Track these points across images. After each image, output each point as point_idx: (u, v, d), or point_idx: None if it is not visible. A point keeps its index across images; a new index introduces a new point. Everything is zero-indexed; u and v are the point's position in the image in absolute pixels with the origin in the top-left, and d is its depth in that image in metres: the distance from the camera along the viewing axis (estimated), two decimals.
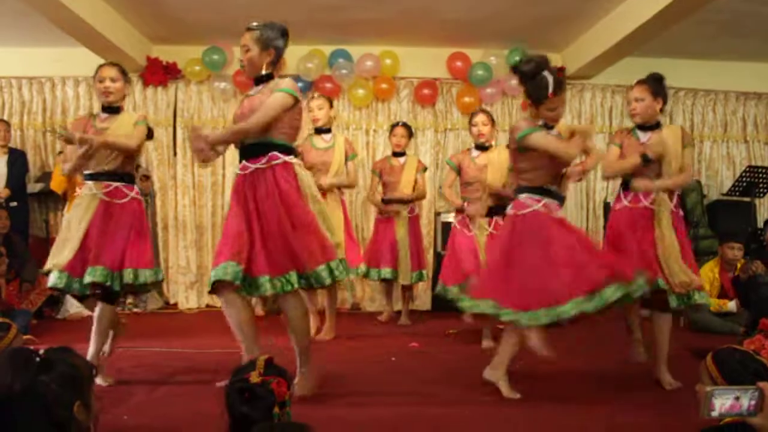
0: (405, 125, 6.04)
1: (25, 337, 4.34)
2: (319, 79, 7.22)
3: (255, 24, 3.63)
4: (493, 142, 5.12)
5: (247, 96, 3.59)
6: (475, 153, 5.09)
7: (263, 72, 3.55)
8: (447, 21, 6.53)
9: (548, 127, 3.60)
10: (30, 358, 1.76)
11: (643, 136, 3.83)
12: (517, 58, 3.95)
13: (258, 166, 3.34)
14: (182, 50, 7.23)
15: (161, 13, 6.39)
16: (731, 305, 5.61)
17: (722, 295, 5.72)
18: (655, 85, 3.78)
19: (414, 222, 5.92)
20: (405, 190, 5.81)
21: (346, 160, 5.21)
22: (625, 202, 3.81)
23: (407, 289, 6.11)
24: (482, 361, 4.43)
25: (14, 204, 6.29)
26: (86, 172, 3.75)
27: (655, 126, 3.82)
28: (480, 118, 5.05)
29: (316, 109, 5.17)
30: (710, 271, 5.81)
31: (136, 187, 3.81)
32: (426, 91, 7.34)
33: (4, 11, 5.94)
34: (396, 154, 5.93)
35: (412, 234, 5.84)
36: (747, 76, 7.70)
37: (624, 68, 7.01)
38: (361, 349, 4.95)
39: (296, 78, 7.12)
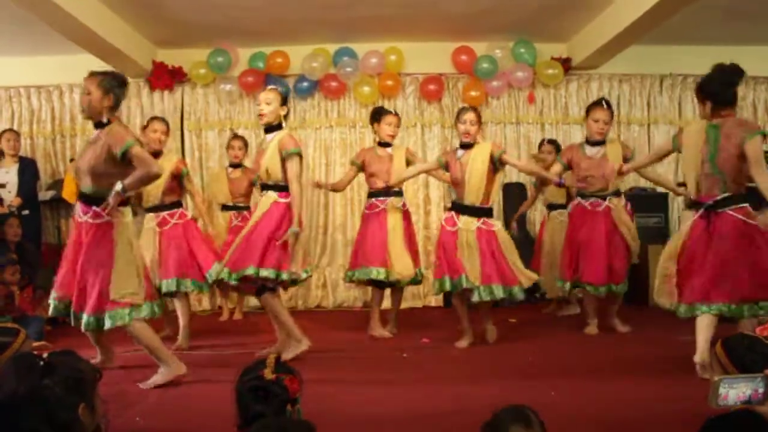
0: (397, 114, 5.65)
1: (39, 343, 4.41)
2: (324, 78, 7.22)
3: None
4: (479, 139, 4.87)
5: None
6: (460, 152, 4.86)
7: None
8: (451, 15, 6.50)
9: None
10: (33, 362, 1.78)
11: None
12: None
13: None
14: (187, 53, 7.26)
15: (165, 17, 6.41)
16: None
17: None
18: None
19: (406, 216, 5.49)
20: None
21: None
22: None
23: (398, 291, 5.60)
24: (492, 356, 4.45)
25: (26, 212, 6.33)
26: None
27: None
28: (469, 116, 4.79)
29: (263, 102, 4.49)
30: None
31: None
32: (432, 87, 7.32)
33: (10, 21, 5.98)
34: (382, 144, 5.43)
35: (406, 230, 5.41)
36: (756, 60, 7.55)
37: (630, 57, 6.97)
38: (371, 347, 4.95)
39: (301, 77, 7.15)
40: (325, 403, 3.01)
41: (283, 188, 4.37)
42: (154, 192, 4.97)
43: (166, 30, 6.79)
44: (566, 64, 7.34)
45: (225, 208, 6.29)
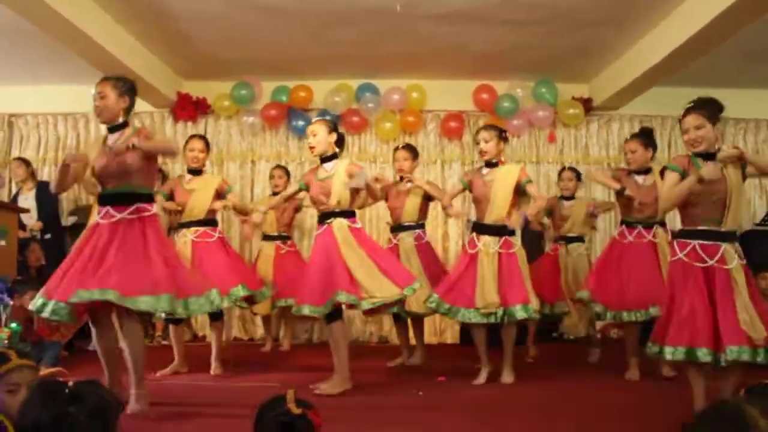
0: (407, 147, 5.68)
1: (55, 369, 4.40)
2: (346, 113, 7.29)
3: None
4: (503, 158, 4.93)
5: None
6: (485, 171, 4.90)
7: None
8: (473, 54, 6.58)
9: None
10: (59, 389, 1.78)
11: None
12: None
13: None
14: (211, 85, 7.39)
15: (191, 50, 6.54)
16: None
17: None
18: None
19: (424, 249, 5.45)
20: (410, 217, 5.47)
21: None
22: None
23: (418, 322, 5.66)
24: (508, 394, 4.40)
25: (48, 236, 6.39)
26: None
27: None
28: (482, 134, 4.87)
29: (310, 135, 4.58)
30: None
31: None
32: (453, 124, 7.37)
33: (41, 51, 6.12)
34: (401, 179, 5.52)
35: (423, 261, 5.36)
36: None
37: (651, 98, 7.00)
38: (386, 383, 4.91)
39: (323, 112, 7.23)
40: None
41: (352, 214, 4.50)
42: (198, 207, 5.06)
43: (191, 62, 6.91)
44: (587, 104, 7.38)
45: (268, 237, 6.33)
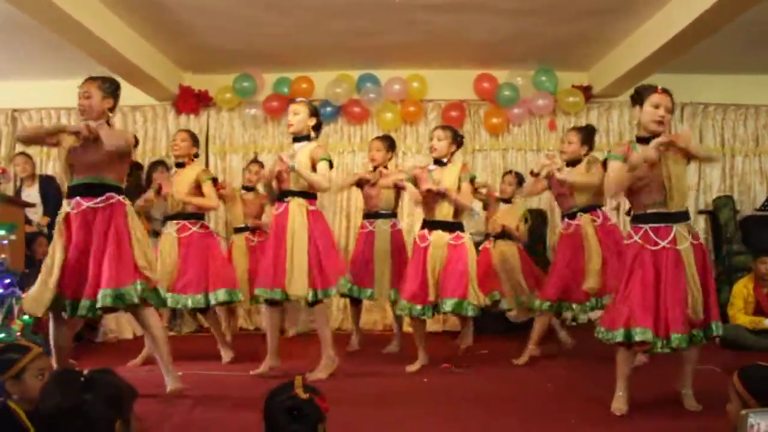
0: (381, 138, 5.88)
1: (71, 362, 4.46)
2: (347, 104, 7.32)
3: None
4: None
5: None
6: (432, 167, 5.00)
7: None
8: (473, 43, 6.60)
9: None
10: (75, 377, 1.84)
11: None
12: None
13: None
14: (213, 78, 7.41)
15: (192, 43, 6.56)
16: (767, 322, 5.54)
17: (758, 311, 5.66)
18: None
19: (397, 236, 5.64)
20: (386, 205, 5.64)
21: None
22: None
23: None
24: (514, 382, 4.46)
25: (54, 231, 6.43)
26: None
27: None
28: (437, 132, 4.99)
29: (291, 113, 4.64)
30: (744, 288, 5.77)
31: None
32: (453, 113, 7.39)
33: (41, 45, 6.14)
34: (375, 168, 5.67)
35: (394, 248, 5.57)
36: None
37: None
38: (392, 371, 4.97)
39: (325, 103, 7.26)
40: (345, 425, 3.05)
41: (312, 196, 4.56)
42: (174, 199, 5.14)
43: (193, 55, 6.94)
44: (587, 92, 7.40)
45: (239, 230, 6.42)
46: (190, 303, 5.06)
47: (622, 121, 7.58)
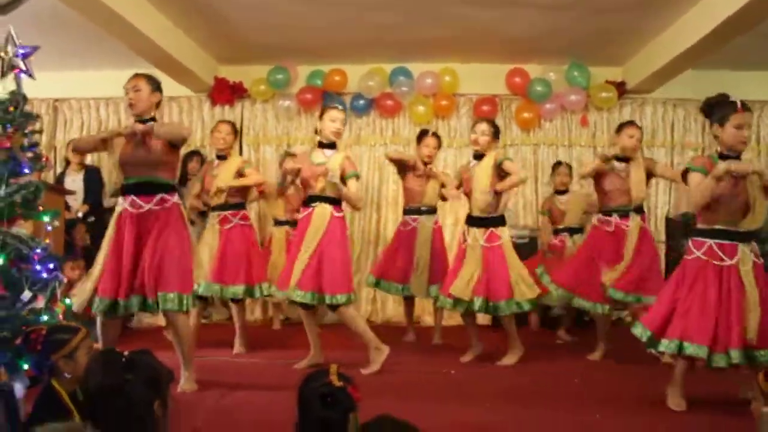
0: (436, 135, 5.90)
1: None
2: (380, 97, 7.38)
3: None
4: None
5: None
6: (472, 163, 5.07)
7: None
8: (506, 38, 6.61)
9: None
10: (117, 358, 1.94)
11: None
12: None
13: None
14: (248, 70, 7.52)
15: (228, 35, 6.67)
16: None
17: None
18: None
19: (438, 233, 5.77)
20: (430, 201, 5.73)
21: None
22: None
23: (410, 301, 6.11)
24: (540, 377, 4.49)
25: (92, 219, 6.60)
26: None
27: None
28: (479, 126, 4.99)
29: (339, 122, 4.66)
30: None
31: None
32: (485, 108, 7.40)
33: (82, 37, 6.29)
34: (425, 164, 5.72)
35: (435, 245, 5.66)
36: None
37: (686, 81, 6.94)
38: (420, 362, 5.03)
39: (357, 96, 7.32)
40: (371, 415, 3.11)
41: (338, 202, 4.61)
42: (212, 191, 5.26)
43: (228, 47, 7.05)
44: (620, 87, 7.35)
45: (279, 223, 6.51)
46: (233, 293, 5.23)
47: (656, 117, 7.52)
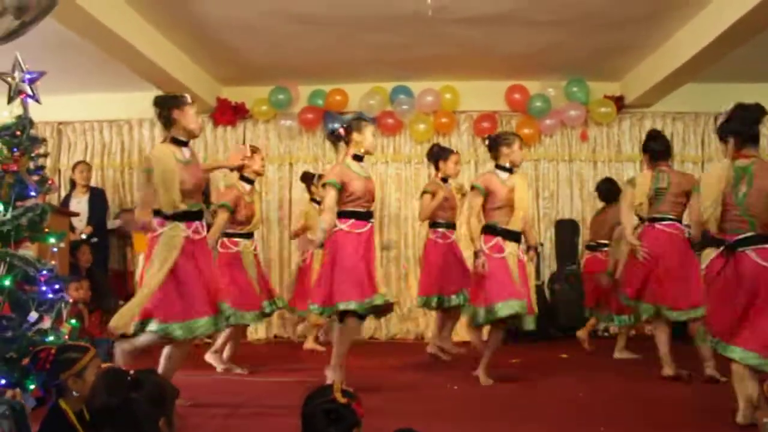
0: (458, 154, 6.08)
1: (106, 365, 4.63)
2: (381, 115, 7.44)
3: None
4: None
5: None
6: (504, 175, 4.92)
7: None
8: (505, 55, 6.68)
9: None
10: (123, 377, 1.97)
11: None
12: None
13: None
14: (250, 91, 7.60)
15: (230, 57, 6.75)
16: None
17: None
18: None
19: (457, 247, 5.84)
20: (449, 215, 5.79)
21: None
22: None
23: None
24: (546, 390, 4.49)
25: (95, 240, 6.66)
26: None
27: None
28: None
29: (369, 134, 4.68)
30: None
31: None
32: (485, 124, 7.45)
33: (87, 60, 6.36)
34: (444, 180, 5.79)
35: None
36: None
37: (684, 95, 6.99)
38: (423, 378, 5.04)
39: (359, 115, 7.37)
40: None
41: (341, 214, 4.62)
42: (257, 217, 5.38)
43: (230, 69, 7.13)
44: (619, 102, 7.41)
45: None
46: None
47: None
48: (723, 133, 3.67)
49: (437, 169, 5.83)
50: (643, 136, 7.36)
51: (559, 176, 7.52)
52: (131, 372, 2.01)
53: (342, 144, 4.75)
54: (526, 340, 6.24)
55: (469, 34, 6.12)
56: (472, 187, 4.91)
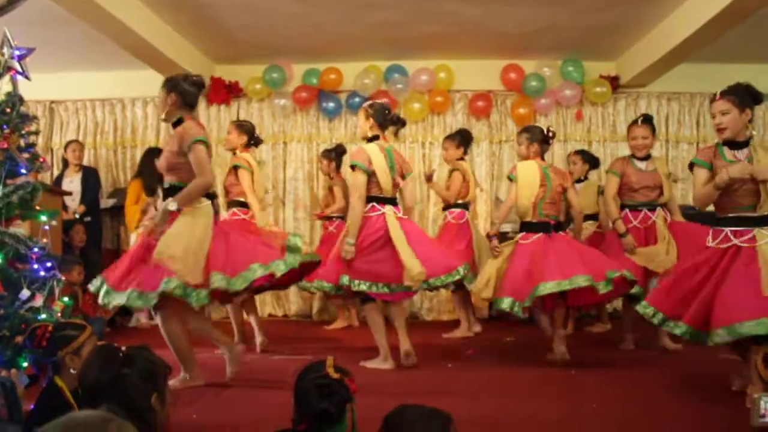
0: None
1: (100, 343, 4.63)
2: (375, 94, 7.38)
3: None
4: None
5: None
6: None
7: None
8: (500, 34, 6.63)
9: None
10: (115, 353, 1.97)
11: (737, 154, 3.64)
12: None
13: None
14: (244, 69, 7.54)
15: (223, 35, 6.69)
16: None
17: None
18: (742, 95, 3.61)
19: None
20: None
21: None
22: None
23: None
24: (537, 368, 4.51)
25: (88, 219, 6.64)
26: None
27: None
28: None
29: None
30: None
31: None
32: (480, 104, 7.43)
33: (77, 38, 6.30)
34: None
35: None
36: None
37: (680, 75, 6.97)
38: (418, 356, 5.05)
39: (353, 93, 7.34)
40: (368, 408, 3.13)
41: None
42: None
43: (224, 47, 7.07)
44: (614, 82, 7.39)
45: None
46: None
47: (650, 111, 7.50)
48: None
49: (466, 153, 6.06)
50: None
51: (553, 156, 7.49)
52: (123, 348, 2.01)
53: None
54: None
55: (465, 12, 6.07)
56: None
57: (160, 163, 4.00)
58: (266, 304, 7.41)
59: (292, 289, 7.11)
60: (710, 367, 4.29)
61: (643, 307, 3.78)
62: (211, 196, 3.94)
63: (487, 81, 7.47)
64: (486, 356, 5.00)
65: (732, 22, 5.50)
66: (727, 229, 3.57)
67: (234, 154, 5.49)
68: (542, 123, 7.53)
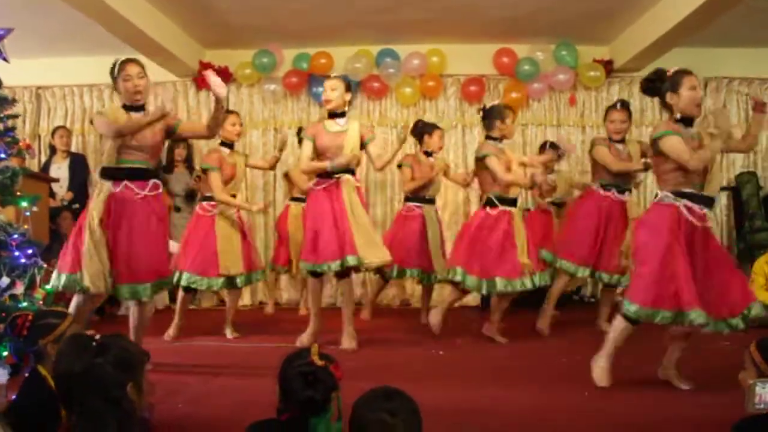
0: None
1: (87, 332, 4.58)
2: (366, 79, 7.33)
3: None
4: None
5: None
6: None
7: None
8: (493, 17, 6.56)
9: None
10: (88, 342, 1.92)
11: None
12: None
13: None
14: (233, 54, 7.45)
15: (212, 19, 6.60)
16: None
17: None
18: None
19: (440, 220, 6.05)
20: (433, 192, 5.91)
21: (363, 145, 4.73)
22: None
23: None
24: (528, 356, 4.49)
25: (76, 206, 6.56)
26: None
27: None
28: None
29: (328, 89, 4.67)
30: (765, 265, 5.71)
31: None
32: (473, 88, 7.37)
33: (66, 23, 6.20)
34: (427, 154, 5.84)
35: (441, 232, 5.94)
36: None
37: (673, 59, 6.83)
38: (408, 343, 5.02)
39: (344, 78, 7.24)
40: (356, 394, 3.10)
41: (354, 173, 4.68)
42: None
43: (213, 31, 6.98)
44: (608, 66, 7.32)
45: (296, 199, 6.45)
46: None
47: (644, 96, 7.43)
48: None
49: (421, 143, 5.87)
50: (633, 101, 7.39)
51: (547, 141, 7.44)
52: (97, 337, 1.96)
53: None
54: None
55: None
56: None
57: (141, 143, 3.93)
58: (257, 291, 7.37)
59: (283, 277, 7.11)
60: (703, 355, 4.26)
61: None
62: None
63: (479, 65, 7.39)
64: (476, 344, 4.97)
65: (725, 6, 5.46)
66: (681, 203, 3.49)
67: (231, 145, 5.34)
68: (535, 108, 7.51)
